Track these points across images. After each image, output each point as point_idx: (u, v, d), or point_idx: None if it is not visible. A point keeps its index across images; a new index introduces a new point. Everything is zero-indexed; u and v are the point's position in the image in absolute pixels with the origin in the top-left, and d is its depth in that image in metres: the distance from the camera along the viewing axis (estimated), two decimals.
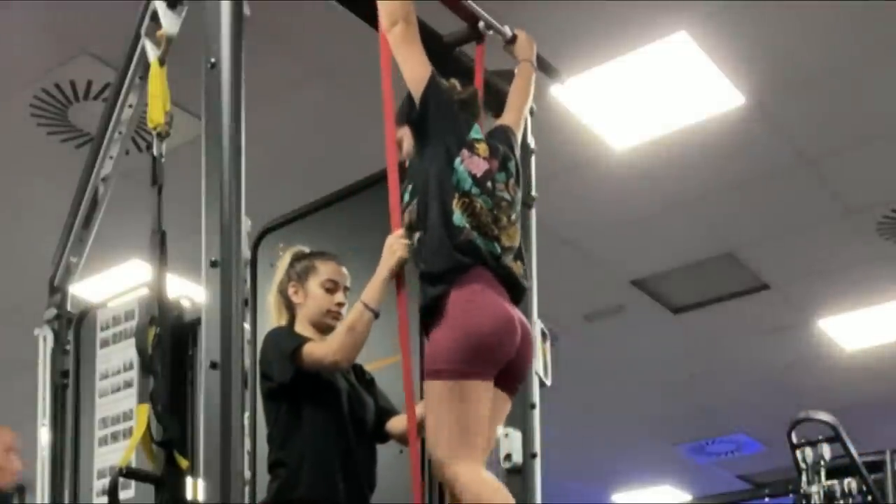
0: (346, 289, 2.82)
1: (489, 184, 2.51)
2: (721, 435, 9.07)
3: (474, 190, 2.48)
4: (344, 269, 2.83)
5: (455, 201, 2.45)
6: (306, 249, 2.88)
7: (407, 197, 2.54)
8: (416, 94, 2.54)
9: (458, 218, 2.44)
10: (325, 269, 2.80)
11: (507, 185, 2.56)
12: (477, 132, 2.58)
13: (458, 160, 2.49)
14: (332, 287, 2.79)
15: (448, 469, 2.35)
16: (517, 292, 2.53)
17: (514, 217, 2.56)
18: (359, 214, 3.24)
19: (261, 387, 2.73)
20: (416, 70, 2.55)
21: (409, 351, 2.49)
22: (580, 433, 8.45)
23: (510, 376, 2.49)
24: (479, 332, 2.37)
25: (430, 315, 2.43)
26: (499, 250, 2.47)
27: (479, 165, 2.51)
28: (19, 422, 4.08)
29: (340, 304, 2.79)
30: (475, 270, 2.42)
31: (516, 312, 2.48)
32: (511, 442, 2.93)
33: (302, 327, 2.79)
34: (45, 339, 3.45)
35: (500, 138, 2.66)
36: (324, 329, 2.79)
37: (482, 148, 2.55)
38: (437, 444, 2.37)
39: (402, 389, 2.51)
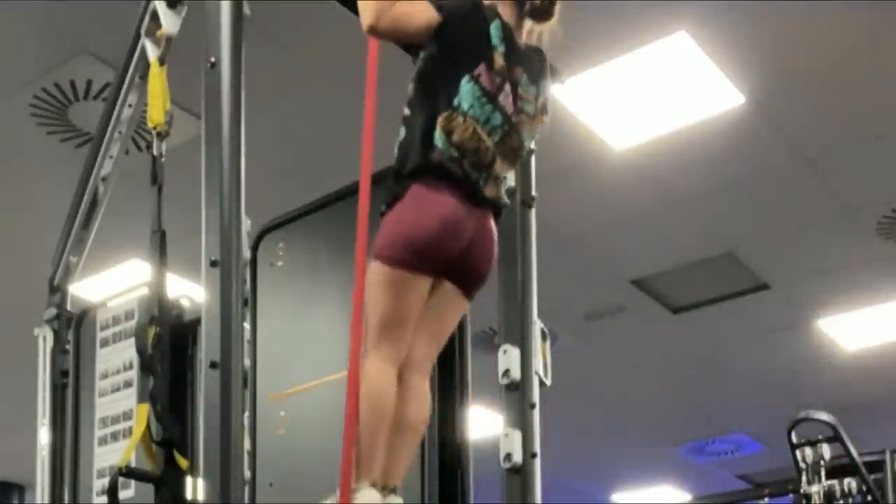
0: None
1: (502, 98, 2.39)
2: (721, 435, 9.07)
3: (476, 110, 2.36)
4: None
5: (441, 119, 2.35)
6: None
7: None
8: (430, 27, 2.37)
9: (439, 136, 2.35)
10: None
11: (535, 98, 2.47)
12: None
13: (465, 78, 2.37)
14: None
15: (366, 357, 2.36)
16: (497, 209, 2.48)
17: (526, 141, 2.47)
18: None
19: None
20: (415, 14, 2.37)
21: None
22: (580, 433, 8.45)
23: (461, 279, 2.45)
24: (418, 226, 2.34)
25: (390, 209, 2.40)
26: (476, 175, 2.37)
27: (493, 81, 2.38)
28: (19, 422, 4.08)
29: None
30: (442, 181, 2.35)
31: (479, 222, 2.41)
32: (511, 442, 2.92)
33: None
34: (44, 339, 3.45)
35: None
36: None
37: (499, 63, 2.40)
38: (367, 329, 2.37)
39: None
